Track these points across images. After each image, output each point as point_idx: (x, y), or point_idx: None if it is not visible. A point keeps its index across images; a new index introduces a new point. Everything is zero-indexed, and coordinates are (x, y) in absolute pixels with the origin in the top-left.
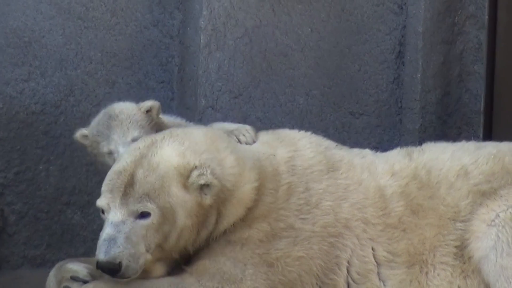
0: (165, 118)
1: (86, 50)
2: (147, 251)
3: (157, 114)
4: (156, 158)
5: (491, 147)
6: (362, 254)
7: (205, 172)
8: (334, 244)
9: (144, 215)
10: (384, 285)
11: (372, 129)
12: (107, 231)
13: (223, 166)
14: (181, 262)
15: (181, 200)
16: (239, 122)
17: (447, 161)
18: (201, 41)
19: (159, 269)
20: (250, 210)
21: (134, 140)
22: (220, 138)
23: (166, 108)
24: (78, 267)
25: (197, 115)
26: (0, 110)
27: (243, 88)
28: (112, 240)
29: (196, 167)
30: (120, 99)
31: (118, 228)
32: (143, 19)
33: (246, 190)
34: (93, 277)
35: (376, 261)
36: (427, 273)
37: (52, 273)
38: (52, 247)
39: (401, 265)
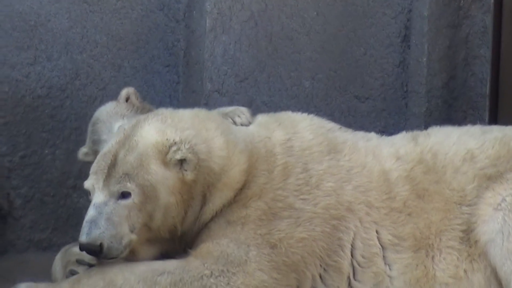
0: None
1: (92, 33)
2: (131, 231)
3: (136, 99)
4: (136, 137)
5: (497, 131)
6: (366, 237)
7: (182, 147)
8: (337, 226)
9: (125, 195)
10: (390, 269)
11: (378, 113)
12: (89, 213)
13: (211, 147)
14: (178, 246)
15: (162, 177)
16: (244, 106)
17: (453, 145)
18: (207, 24)
19: (148, 250)
20: (241, 191)
21: None
22: (211, 119)
23: (172, 92)
24: None
25: (203, 99)
26: (6, 94)
27: (249, 72)
28: (93, 221)
29: (175, 143)
30: (126, 83)
31: (100, 210)
32: (148, 2)
33: (233, 173)
34: (99, 261)
35: (381, 245)
36: (433, 257)
37: (58, 256)
38: (58, 230)
39: (407, 249)
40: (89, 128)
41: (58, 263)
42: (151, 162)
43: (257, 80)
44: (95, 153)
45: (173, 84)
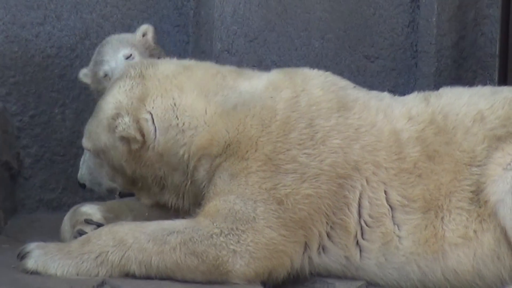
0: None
1: None
2: (112, 180)
3: (153, 38)
4: (102, 102)
5: (507, 92)
6: (374, 197)
7: (125, 126)
8: (343, 185)
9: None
10: (398, 229)
11: (388, 73)
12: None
13: (178, 107)
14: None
15: (111, 146)
16: (254, 66)
17: (463, 106)
18: None
19: (151, 197)
20: (231, 146)
21: (126, 57)
22: (194, 79)
23: (182, 52)
24: (92, 211)
25: (212, 59)
26: (16, 54)
27: (259, 32)
28: (82, 163)
29: (118, 116)
30: None
31: (85, 155)
32: None
33: (205, 133)
34: (107, 221)
35: (389, 205)
36: (442, 218)
37: (67, 216)
38: (67, 190)
39: (416, 210)
40: (96, 49)
41: (66, 223)
42: (102, 133)
43: (266, 40)
44: (94, 75)
45: (183, 44)
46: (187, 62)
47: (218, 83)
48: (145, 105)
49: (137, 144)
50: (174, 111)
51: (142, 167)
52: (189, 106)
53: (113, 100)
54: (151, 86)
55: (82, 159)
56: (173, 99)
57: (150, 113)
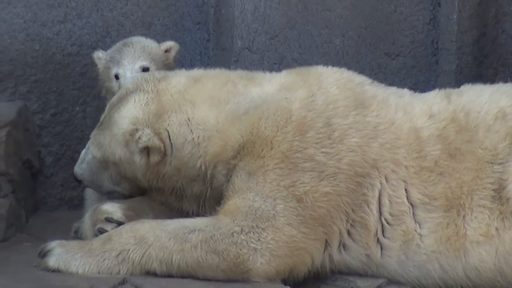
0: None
1: None
2: (116, 184)
3: (174, 57)
4: (116, 114)
5: None
6: (394, 195)
7: (145, 137)
8: (361, 183)
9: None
10: (420, 227)
11: (408, 70)
12: (85, 148)
13: (192, 121)
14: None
15: (126, 162)
16: (275, 64)
17: (485, 103)
18: None
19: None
20: (245, 146)
21: (143, 69)
22: (205, 90)
23: (202, 49)
24: (113, 209)
25: (233, 56)
26: (37, 52)
27: (279, 30)
28: (82, 159)
29: (137, 130)
30: (156, 40)
31: (86, 152)
32: None
33: (221, 139)
34: (128, 219)
35: (410, 203)
36: (464, 216)
37: (88, 214)
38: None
39: (438, 208)
40: (118, 45)
41: (87, 221)
42: (118, 148)
43: (287, 38)
44: (107, 68)
45: (204, 42)
46: (196, 73)
47: (229, 91)
48: (161, 121)
49: (158, 156)
50: (188, 125)
51: (160, 181)
52: (202, 119)
53: (129, 115)
54: (166, 101)
55: (82, 154)
56: (187, 113)
57: (167, 130)
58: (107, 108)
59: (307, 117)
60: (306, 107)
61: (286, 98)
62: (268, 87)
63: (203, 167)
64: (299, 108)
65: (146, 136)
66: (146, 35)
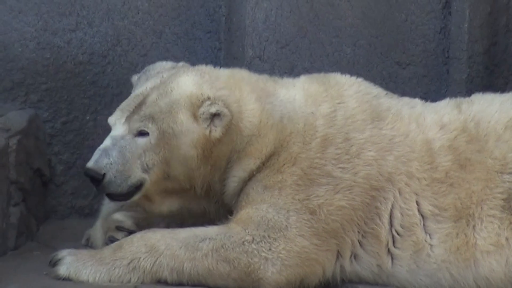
0: None
1: (133, 0)
2: (144, 171)
3: None
4: (172, 84)
5: None
6: (406, 208)
7: (218, 102)
8: (376, 197)
9: (142, 133)
10: (430, 237)
11: (419, 79)
12: (104, 142)
13: (242, 109)
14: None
15: (187, 129)
16: (286, 73)
17: (495, 113)
18: None
19: (165, 200)
20: (270, 159)
21: None
22: (247, 82)
23: (213, 58)
24: (124, 218)
25: (244, 65)
26: (48, 60)
27: (290, 38)
28: (105, 150)
29: (209, 98)
30: (167, 49)
31: (115, 142)
32: None
33: (258, 145)
34: (139, 227)
35: (421, 215)
36: (474, 226)
37: (99, 223)
38: (99, 197)
39: (447, 219)
40: (147, 69)
41: (98, 230)
42: (180, 112)
43: (298, 46)
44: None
45: (215, 51)
46: (225, 69)
47: (262, 89)
48: (223, 95)
49: (223, 129)
50: (240, 112)
51: (205, 163)
52: (250, 111)
53: (191, 81)
54: (222, 76)
55: (100, 150)
56: (236, 98)
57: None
58: (147, 93)
59: (328, 134)
60: (328, 124)
61: (312, 113)
62: (293, 91)
63: (230, 164)
64: (323, 124)
65: (218, 104)
66: (157, 44)
